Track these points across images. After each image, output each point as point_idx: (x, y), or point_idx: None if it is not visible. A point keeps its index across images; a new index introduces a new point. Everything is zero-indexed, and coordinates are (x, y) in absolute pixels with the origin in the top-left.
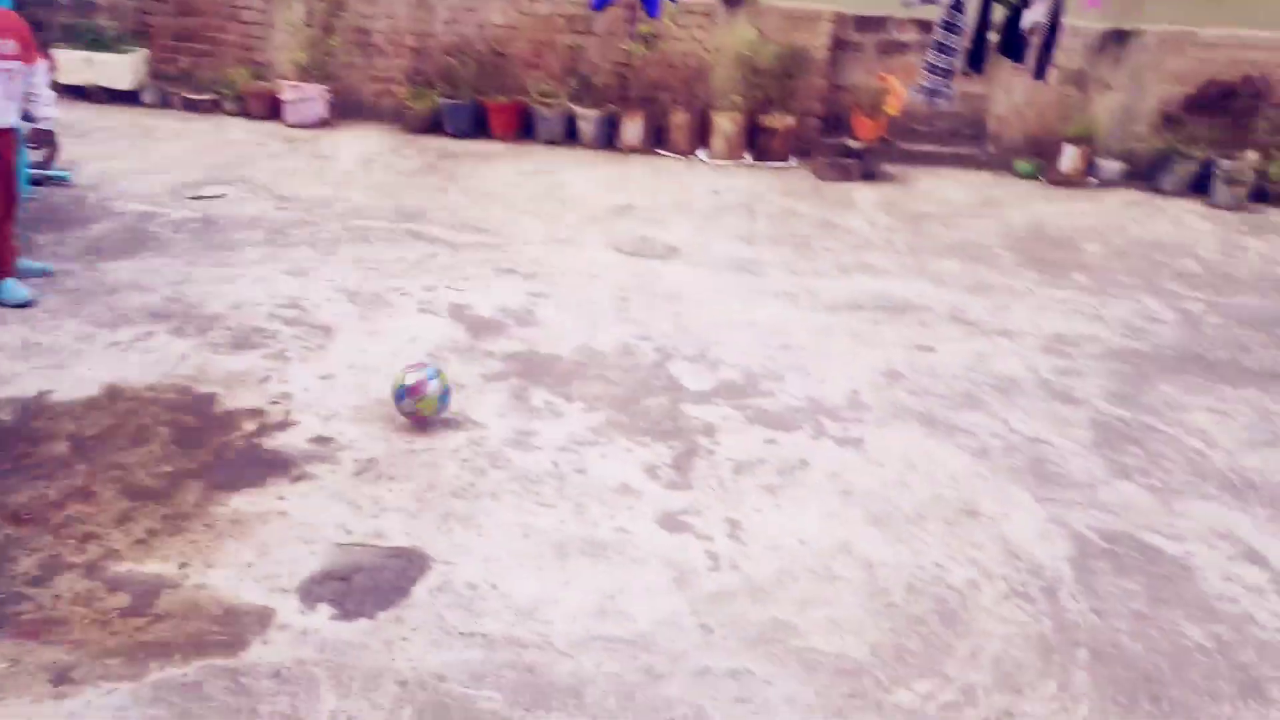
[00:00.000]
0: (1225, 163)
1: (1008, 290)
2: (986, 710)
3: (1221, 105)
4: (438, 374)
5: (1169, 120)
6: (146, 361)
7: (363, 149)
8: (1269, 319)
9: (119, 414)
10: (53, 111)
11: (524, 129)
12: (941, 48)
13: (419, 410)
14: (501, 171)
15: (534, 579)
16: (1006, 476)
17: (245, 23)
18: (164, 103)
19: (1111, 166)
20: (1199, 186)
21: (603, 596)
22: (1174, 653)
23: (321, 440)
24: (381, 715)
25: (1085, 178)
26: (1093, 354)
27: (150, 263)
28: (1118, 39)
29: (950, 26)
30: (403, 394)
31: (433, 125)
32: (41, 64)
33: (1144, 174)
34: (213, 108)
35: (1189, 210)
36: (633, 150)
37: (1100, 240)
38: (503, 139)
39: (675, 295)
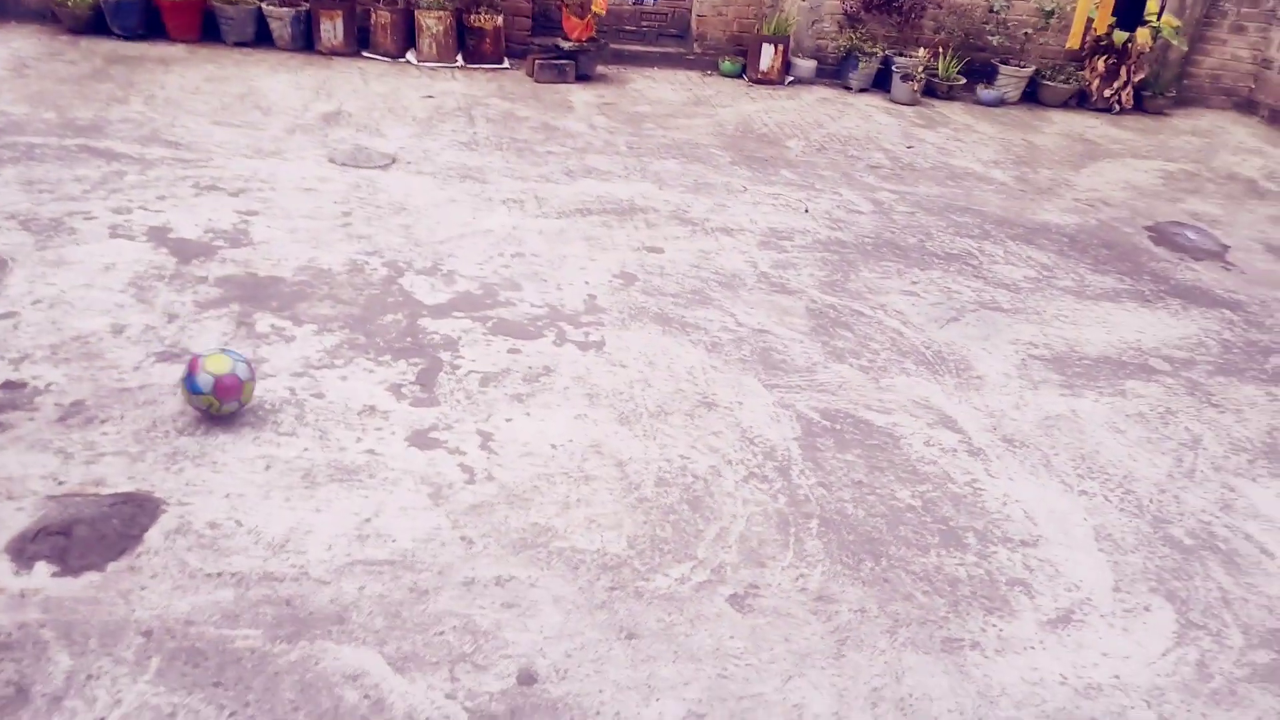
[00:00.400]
0: (900, 60)
1: (724, 188)
2: (735, 585)
3: (892, 5)
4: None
5: (850, 19)
6: None
7: (9, 53)
8: (945, 206)
9: None
10: None
11: (207, 30)
12: None
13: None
14: (188, 78)
15: (283, 511)
16: (738, 367)
17: None
18: None
19: (805, 65)
20: (880, 83)
21: (359, 520)
22: (889, 514)
23: (13, 386)
24: (126, 669)
25: (783, 76)
26: (803, 246)
27: None
28: None
29: None
30: (208, 388)
31: (95, 25)
32: None
33: (833, 71)
34: None
35: (873, 105)
36: (335, 53)
37: (802, 136)
38: (184, 41)
39: (400, 207)
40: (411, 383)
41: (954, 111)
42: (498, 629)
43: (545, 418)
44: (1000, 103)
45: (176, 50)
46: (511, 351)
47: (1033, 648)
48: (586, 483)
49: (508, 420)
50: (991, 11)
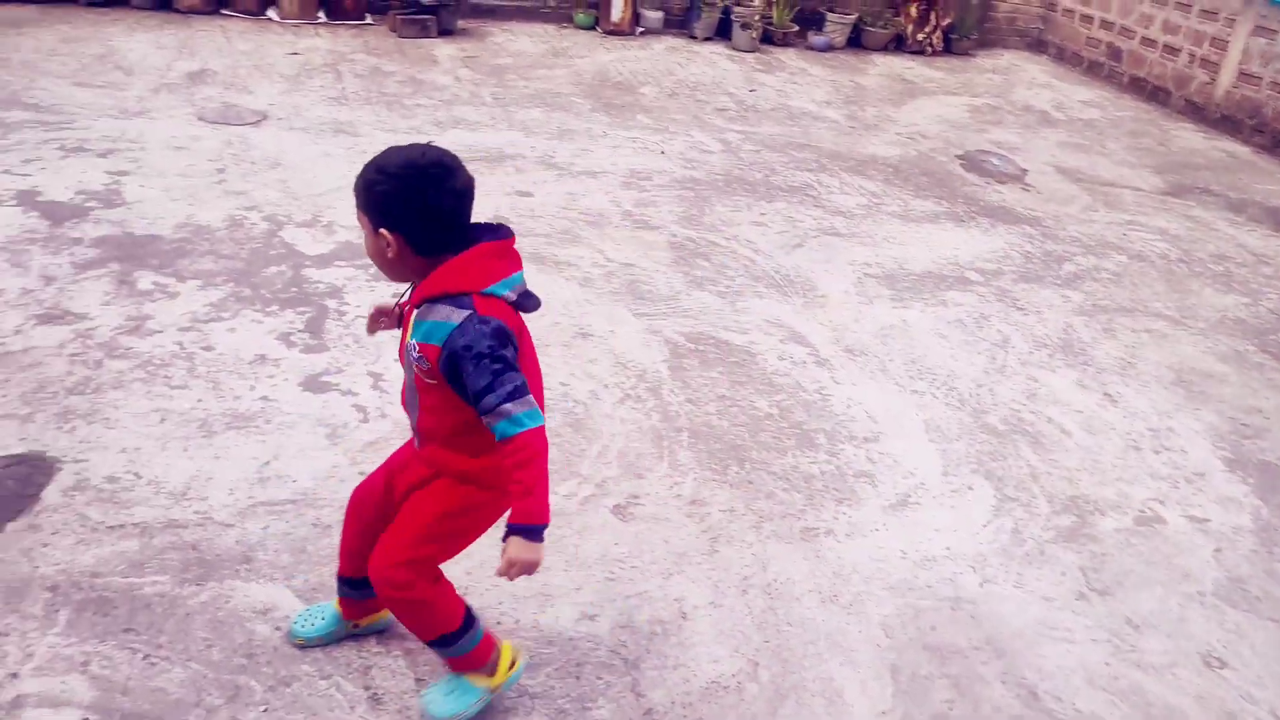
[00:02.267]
0: (739, 9)
1: (586, 134)
2: (617, 497)
3: None
4: None
5: None
6: None
7: None
8: (786, 143)
9: None
10: None
11: None
12: None
13: None
14: (43, 39)
15: (182, 460)
16: (609, 299)
17: None
18: None
19: (654, 16)
20: (723, 32)
21: (259, 465)
22: (750, 423)
23: None
24: (35, 624)
25: (634, 27)
26: (661, 185)
27: None
28: None
29: None
30: None
31: None
32: None
33: (679, 22)
34: None
35: (717, 53)
36: (194, 11)
37: (654, 83)
38: (35, 1)
39: (275, 162)
40: (300, 330)
41: (789, 57)
42: None
43: None
44: (829, 48)
45: (26, 11)
46: (393, 296)
47: (877, 530)
48: None
49: (396, 361)
50: None
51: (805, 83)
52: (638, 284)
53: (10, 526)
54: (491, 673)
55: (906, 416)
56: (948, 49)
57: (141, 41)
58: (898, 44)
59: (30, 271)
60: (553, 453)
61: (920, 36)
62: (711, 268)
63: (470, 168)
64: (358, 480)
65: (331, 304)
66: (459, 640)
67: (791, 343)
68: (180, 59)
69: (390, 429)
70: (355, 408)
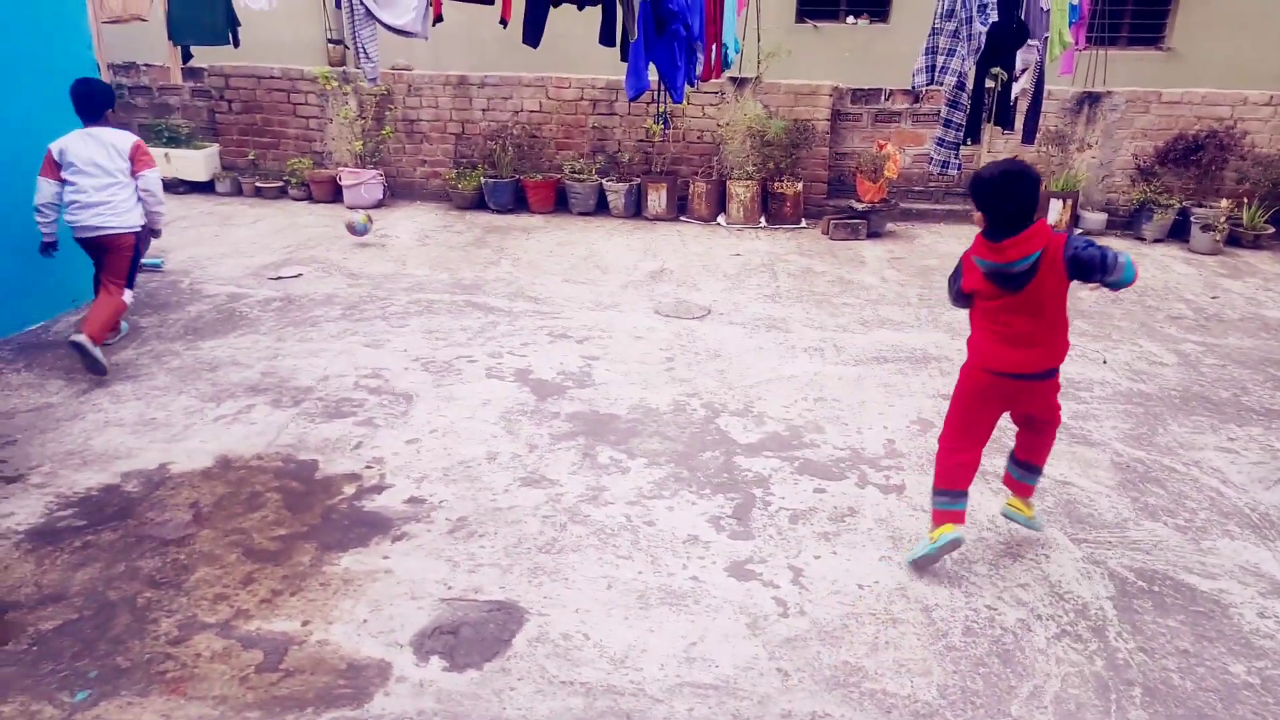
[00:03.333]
0: (1199, 210)
1: None
2: None
3: (1190, 158)
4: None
5: (1143, 172)
6: (251, 433)
7: (417, 226)
8: (1261, 359)
9: (232, 482)
10: (164, 209)
11: (559, 202)
12: (948, 124)
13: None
14: (544, 242)
15: (622, 628)
16: (1042, 519)
17: (304, 117)
18: (237, 191)
19: (1095, 218)
20: (1176, 233)
21: (686, 644)
22: (1222, 689)
23: (415, 501)
24: None
25: (1071, 229)
26: (1103, 397)
27: (243, 340)
28: (1091, 101)
29: (955, 104)
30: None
31: (477, 202)
32: (154, 170)
33: (1125, 223)
34: (280, 194)
35: (1170, 256)
36: (658, 218)
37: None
38: (541, 213)
39: (715, 353)
40: (729, 516)
41: (1262, 260)
42: None
43: (851, 557)
44: None
45: (535, 220)
46: (817, 491)
47: None
48: (894, 625)
49: (816, 557)
50: None
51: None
52: (1075, 505)
53: (487, 666)
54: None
55: None
56: None
57: (616, 245)
58: None
59: (519, 439)
60: (977, 683)
61: None
62: (1167, 496)
63: (894, 368)
64: (774, 676)
65: (758, 492)
66: None
67: (1275, 598)
68: (645, 259)
69: (808, 628)
70: (775, 600)
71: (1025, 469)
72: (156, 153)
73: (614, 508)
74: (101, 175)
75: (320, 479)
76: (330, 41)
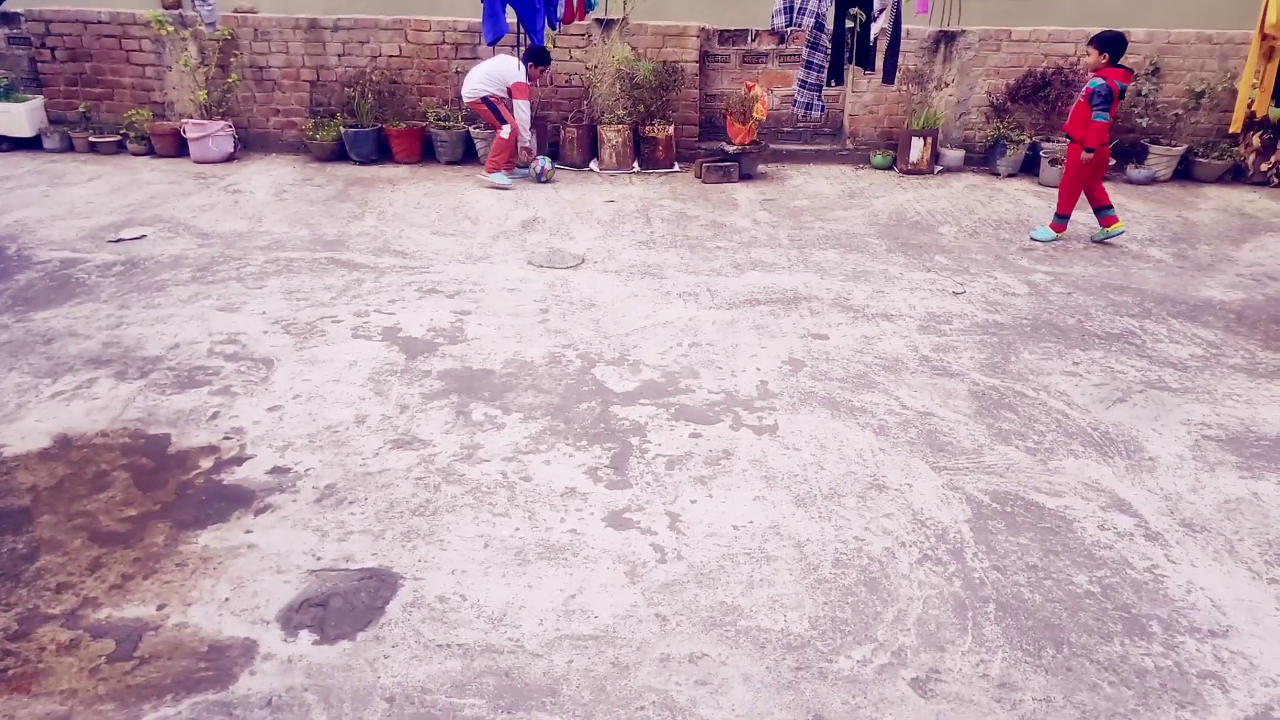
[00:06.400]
0: (1048, 145)
1: (882, 275)
2: (916, 669)
3: (1039, 94)
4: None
5: (997, 109)
6: (93, 408)
7: (273, 180)
8: (1102, 285)
9: (74, 462)
10: None
11: (425, 152)
12: (809, 65)
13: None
14: (410, 194)
15: (500, 586)
16: (905, 450)
17: (139, 65)
18: (68, 147)
19: (953, 154)
20: (1028, 168)
21: (565, 597)
22: (1067, 600)
23: (279, 471)
24: None
25: (932, 166)
26: (962, 329)
27: (81, 309)
28: (947, 40)
29: (814, 46)
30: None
31: (337, 153)
32: None
33: (981, 159)
34: (117, 149)
35: (1022, 189)
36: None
37: (953, 222)
38: (406, 163)
39: (590, 303)
40: (606, 466)
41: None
42: (693, 706)
43: (726, 499)
44: (1151, 180)
45: (400, 170)
46: (693, 436)
47: None
48: (768, 563)
49: (693, 502)
50: (1139, 95)
51: (1124, 220)
52: (936, 434)
53: (360, 636)
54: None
55: (1264, 610)
56: None
57: (486, 194)
58: (1235, 175)
59: (389, 400)
60: (846, 612)
61: (1265, 167)
62: (1019, 420)
63: (766, 309)
64: (653, 621)
65: (635, 441)
66: None
67: (1115, 511)
68: (516, 209)
69: (685, 572)
70: (653, 547)
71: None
72: None
73: (489, 465)
74: None
75: (174, 454)
76: None
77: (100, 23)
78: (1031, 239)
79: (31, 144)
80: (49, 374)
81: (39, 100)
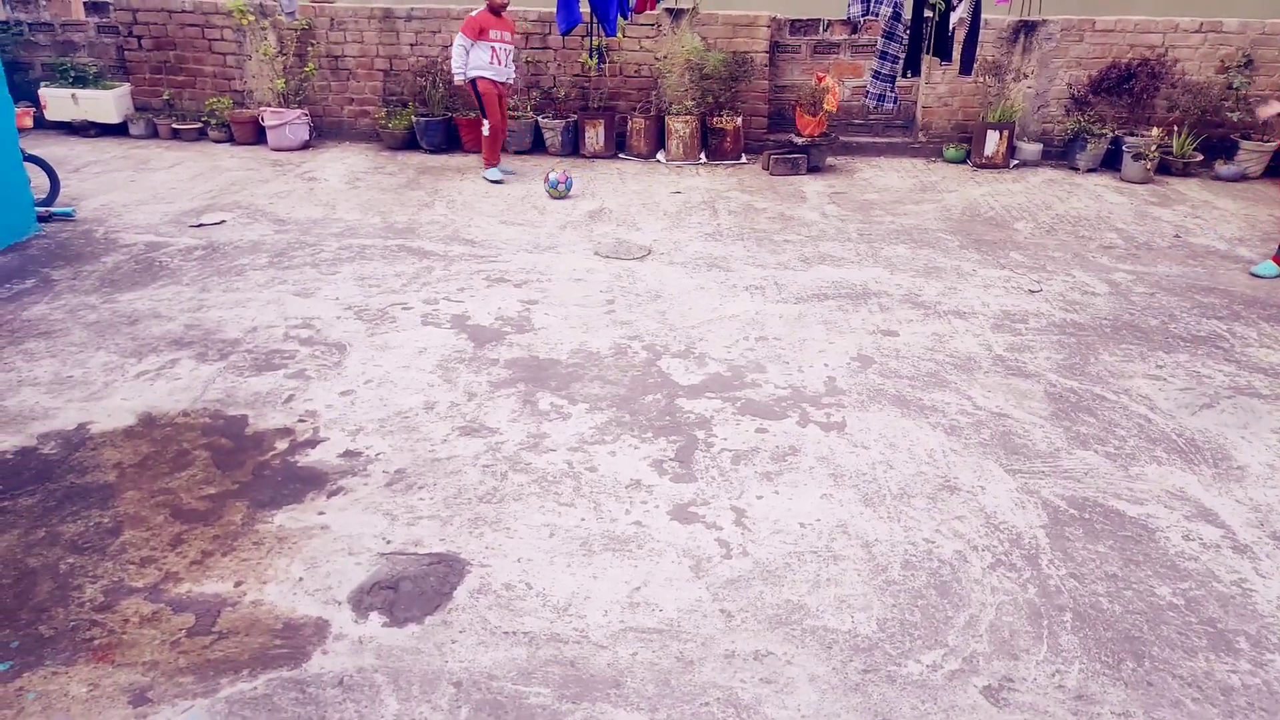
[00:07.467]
0: (1131, 139)
1: (955, 272)
2: (988, 677)
3: (1123, 87)
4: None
5: (1077, 102)
6: (176, 388)
7: (346, 168)
8: (1187, 286)
9: (157, 440)
10: None
11: None
12: (884, 56)
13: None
14: (478, 183)
15: (565, 576)
16: (978, 451)
17: (221, 54)
18: (152, 133)
19: (1030, 148)
20: (1109, 162)
21: (630, 589)
22: (1148, 611)
23: (351, 454)
24: (441, 716)
25: (1008, 159)
26: (1038, 328)
27: (164, 292)
28: (1027, 30)
29: (890, 35)
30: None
31: (408, 142)
32: None
33: (1060, 153)
34: (199, 136)
35: (1102, 185)
36: (596, 156)
37: (1029, 218)
38: (475, 152)
39: (656, 294)
40: (671, 459)
41: (1190, 188)
42: (758, 704)
43: (793, 496)
44: (1241, 177)
45: (470, 159)
46: (759, 431)
47: None
48: (835, 562)
49: (759, 498)
50: (1230, 88)
51: (1211, 217)
52: (1010, 436)
53: (429, 620)
54: None
55: None
56: None
57: None
58: None
59: (458, 387)
60: (915, 615)
61: None
62: (1098, 424)
63: (834, 304)
64: (718, 617)
65: (700, 434)
66: None
67: (1200, 521)
68: (583, 199)
69: (751, 569)
70: (719, 542)
71: None
72: (63, 93)
73: (555, 454)
74: None
75: (251, 435)
76: None
77: (184, 12)
78: (1252, 274)
79: (118, 130)
80: (134, 354)
81: (126, 88)
